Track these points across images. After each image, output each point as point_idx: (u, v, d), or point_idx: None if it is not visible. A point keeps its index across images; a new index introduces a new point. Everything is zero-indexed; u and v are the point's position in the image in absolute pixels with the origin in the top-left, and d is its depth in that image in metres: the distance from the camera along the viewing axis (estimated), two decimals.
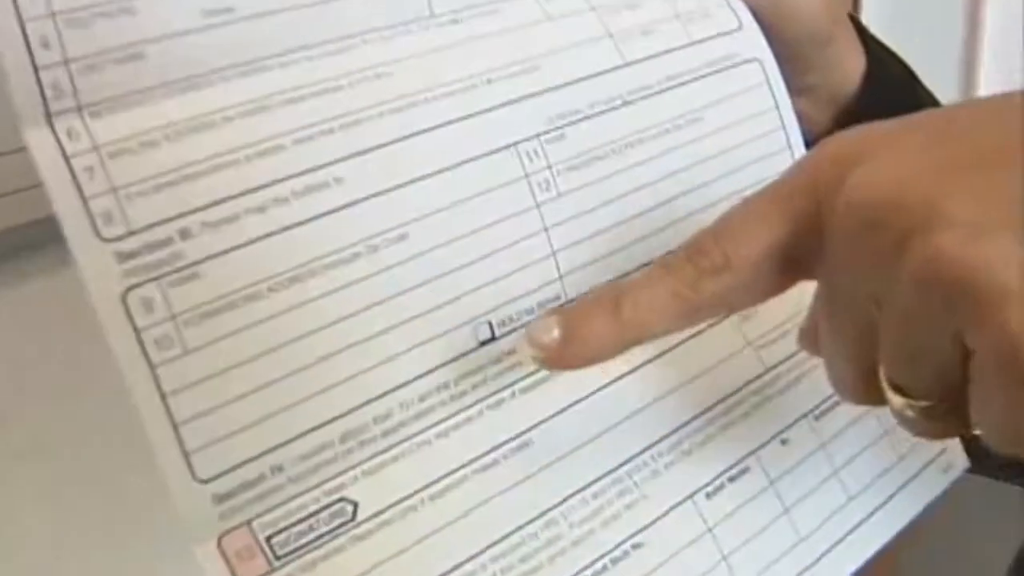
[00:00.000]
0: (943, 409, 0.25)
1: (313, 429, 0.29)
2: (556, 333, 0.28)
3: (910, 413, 0.25)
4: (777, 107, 0.38)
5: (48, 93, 0.26)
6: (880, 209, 0.23)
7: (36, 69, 0.26)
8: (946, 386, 0.24)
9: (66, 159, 0.26)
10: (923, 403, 0.25)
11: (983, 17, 0.97)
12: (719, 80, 0.37)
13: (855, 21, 0.41)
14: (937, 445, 0.37)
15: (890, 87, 0.41)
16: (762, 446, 0.34)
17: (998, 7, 0.96)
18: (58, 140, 0.26)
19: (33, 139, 0.26)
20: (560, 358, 0.29)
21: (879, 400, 0.27)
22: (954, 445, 0.37)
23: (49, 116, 0.26)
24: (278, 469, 0.28)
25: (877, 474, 0.35)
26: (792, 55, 0.39)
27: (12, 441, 0.41)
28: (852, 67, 0.40)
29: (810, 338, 0.30)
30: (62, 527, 0.43)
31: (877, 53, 0.41)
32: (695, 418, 0.33)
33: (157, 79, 0.28)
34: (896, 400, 0.26)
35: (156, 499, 0.27)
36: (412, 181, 0.30)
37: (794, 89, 0.39)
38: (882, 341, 0.25)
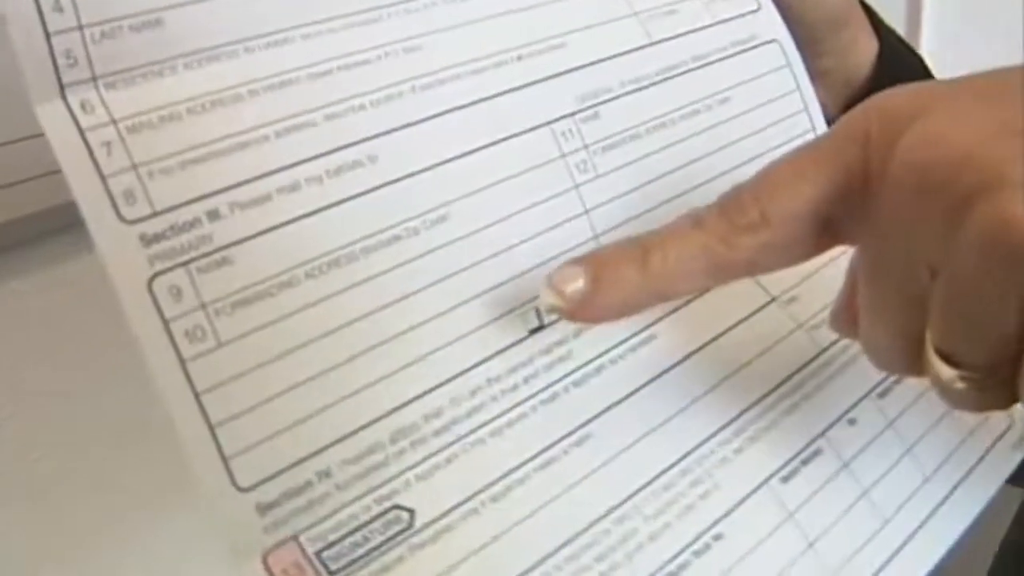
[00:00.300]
0: (995, 380, 0.23)
1: (361, 428, 0.26)
2: (581, 282, 0.26)
3: (959, 385, 0.23)
4: (799, 89, 0.37)
5: (61, 62, 0.24)
6: (941, 169, 0.21)
7: (48, 35, 0.24)
8: (1002, 356, 0.22)
9: (81, 134, 0.24)
10: (974, 374, 0.23)
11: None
12: (742, 61, 0.36)
13: (866, 6, 0.41)
14: (1004, 420, 0.35)
15: (902, 73, 0.40)
16: (830, 427, 0.32)
17: None
18: (72, 113, 0.24)
19: (45, 113, 0.24)
20: (583, 308, 0.26)
21: (922, 371, 0.24)
22: (1021, 418, 0.36)
23: (62, 87, 0.24)
24: (325, 474, 0.25)
25: (950, 451, 0.33)
26: (807, 38, 0.38)
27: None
28: (865, 52, 0.40)
29: (844, 316, 0.28)
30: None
31: (888, 38, 0.41)
32: (755, 404, 0.31)
33: (176, 49, 0.25)
34: (945, 371, 0.23)
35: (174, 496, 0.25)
36: (449, 160, 0.28)
37: (810, 74, 0.38)
38: (936, 309, 0.23)
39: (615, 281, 0.26)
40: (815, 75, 0.38)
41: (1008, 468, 0.34)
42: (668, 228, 0.27)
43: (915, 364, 0.24)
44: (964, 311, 0.22)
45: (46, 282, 0.38)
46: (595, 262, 0.27)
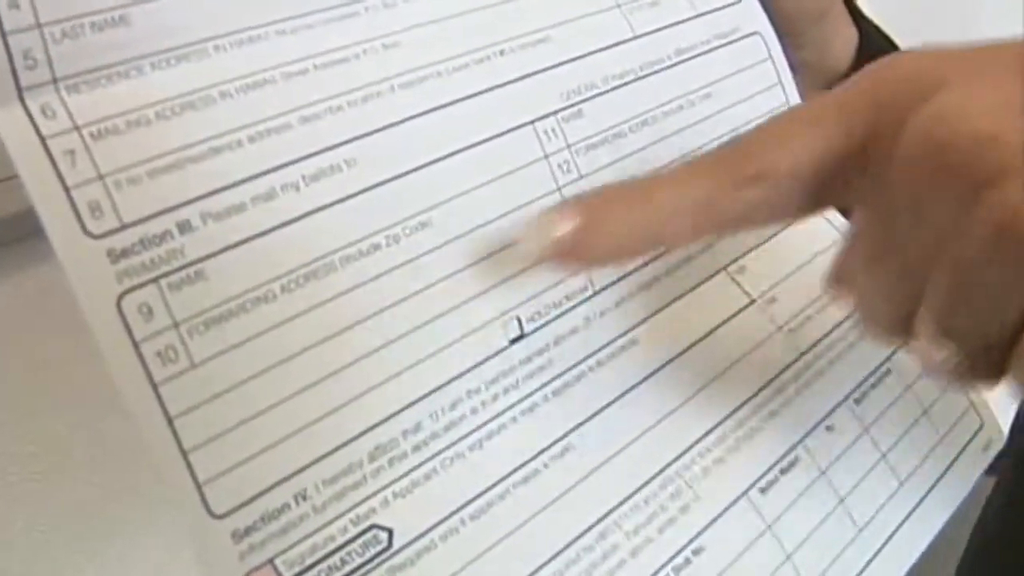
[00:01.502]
0: (986, 359, 0.22)
1: (339, 447, 0.25)
2: (573, 222, 0.25)
3: (950, 360, 0.23)
4: (780, 82, 0.36)
5: (18, 63, 0.22)
6: (960, 149, 0.20)
7: (3, 34, 0.22)
8: (997, 339, 0.22)
9: (43, 141, 0.22)
10: (966, 352, 0.22)
11: None
12: (725, 54, 0.35)
13: None
14: (975, 421, 0.36)
15: None
16: (808, 434, 0.32)
17: None
18: (32, 119, 0.22)
19: (2, 119, 0.22)
20: (574, 250, 0.25)
21: (912, 339, 0.24)
22: (991, 421, 0.36)
23: (20, 91, 0.22)
24: (302, 496, 0.24)
25: (923, 456, 0.34)
26: (787, 30, 0.38)
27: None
28: (845, 43, 0.39)
29: (840, 278, 0.27)
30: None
31: (867, 29, 0.40)
32: (737, 409, 0.31)
33: (143, 48, 0.24)
34: (937, 347, 0.23)
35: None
36: (431, 162, 0.27)
37: (790, 65, 0.37)
38: (937, 283, 0.22)
39: (610, 222, 0.25)
40: (795, 67, 0.38)
41: (978, 470, 0.35)
42: (666, 174, 0.25)
43: (906, 334, 0.24)
44: (966, 293, 0.21)
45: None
46: (589, 203, 0.25)
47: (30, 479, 0.40)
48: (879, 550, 0.31)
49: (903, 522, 0.32)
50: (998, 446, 0.36)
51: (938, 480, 0.34)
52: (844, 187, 0.24)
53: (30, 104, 0.22)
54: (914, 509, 0.33)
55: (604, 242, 0.25)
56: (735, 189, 0.24)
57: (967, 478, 0.34)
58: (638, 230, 0.25)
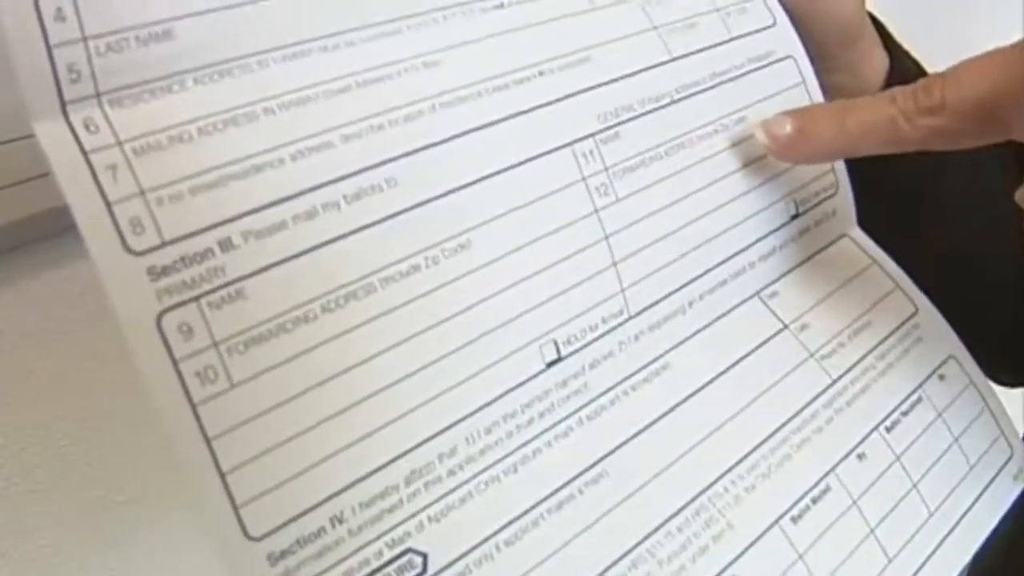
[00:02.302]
0: None
1: (376, 470, 0.25)
2: (789, 128, 0.32)
3: None
4: None
5: (62, 76, 0.22)
6: None
7: (49, 47, 0.22)
8: None
9: (85, 156, 0.22)
10: None
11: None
12: (758, 78, 0.35)
13: (876, 21, 0.40)
14: (1005, 450, 0.35)
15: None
16: (840, 462, 0.31)
17: None
18: (75, 133, 0.22)
19: (45, 132, 0.22)
20: (787, 149, 0.32)
21: None
22: (1020, 449, 0.36)
23: (64, 105, 0.22)
24: (338, 520, 0.24)
25: (953, 485, 0.33)
26: (819, 54, 0.37)
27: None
28: (875, 68, 0.39)
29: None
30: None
31: (897, 54, 0.40)
32: (769, 437, 0.31)
33: (187, 63, 0.23)
34: None
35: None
36: (471, 183, 0.27)
37: (820, 89, 0.37)
38: None
39: (814, 133, 0.31)
40: (826, 90, 0.37)
41: (1008, 500, 0.34)
42: (868, 97, 0.31)
43: None
44: None
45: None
46: (803, 116, 0.32)
47: (32, 490, 0.40)
48: None
49: (933, 553, 0.32)
50: None
51: (968, 510, 0.33)
52: (1019, 121, 0.28)
53: (73, 118, 0.22)
54: (944, 539, 0.32)
55: (808, 147, 0.32)
56: (917, 117, 0.29)
57: (997, 507, 0.34)
58: (835, 143, 0.31)
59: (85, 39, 0.22)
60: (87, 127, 0.22)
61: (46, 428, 0.39)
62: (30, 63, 0.21)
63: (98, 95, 0.22)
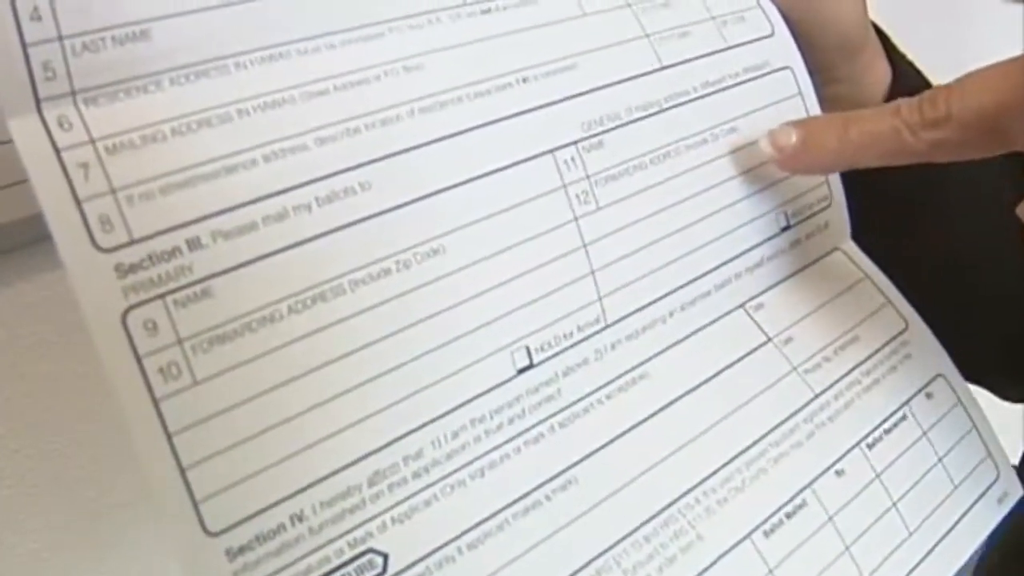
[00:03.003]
0: None
1: (339, 471, 0.25)
2: (795, 138, 0.32)
3: None
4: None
5: (37, 74, 0.22)
6: None
7: (24, 45, 0.22)
8: None
9: (57, 153, 0.22)
10: None
11: None
12: (753, 88, 0.34)
13: (881, 32, 0.39)
14: (991, 472, 0.35)
15: None
16: (817, 478, 0.31)
17: None
18: (48, 130, 0.22)
19: (18, 128, 0.22)
20: (792, 160, 0.33)
21: None
22: (1007, 471, 0.35)
23: (38, 102, 0.22)
24: (298, 518, 0.24)
25: (935, 505, 0.33)
26: (820, 64, 0.37)
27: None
28: (878, 80, 0.38)
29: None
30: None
31: (901, 66, 0.39)
32: (746, 450, 0.31)
33: (163, 63, 0.24)
34: None
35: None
36: (446, 189, 0.27)
37: (820, 100, 0.37)
38: None
39: (817, 144, 0.32)
40: (825, 101, 0.37)
41: (991, 523, 0.34)
42: (874, 108, 0.31)
43: None
44: None
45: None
46: (806, 127, 0.33)
47: (26, 492, 0.40)
48: None
49: (910, 572, 0.31)
50: (1015, 497, 0.35)
51: (950, 531, 0.33)
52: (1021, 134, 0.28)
53: (47, 115, 0.22)
54: (923, 559, 0.32)
55: (813, 158, 0.32)
56: (921, 129, 0.29)
57: (980, 529, 0.34)
58: (839, 154, 0.31)
59: (61, 38, 0.22)
60: (61, 124, 0.23)
61: (40, 430, 0.40)
62: (5, 61, 0.22)
63: (73, 93, 0.23)
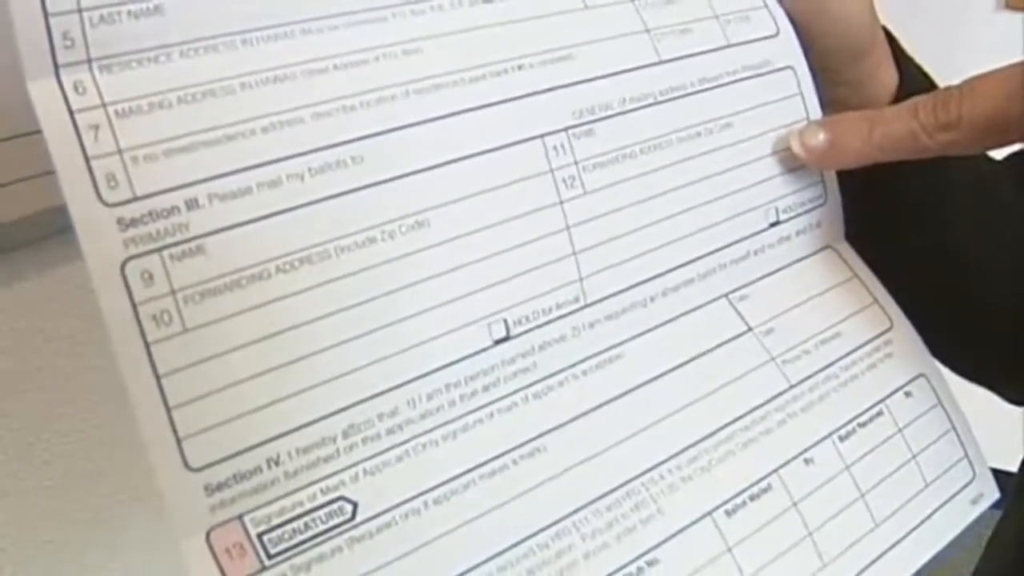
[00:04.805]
0: None
1: (315, 421, 0.27)
2: (822, 137, 0.35)
3: None
4: (808, 118, 0.37)
5: (57, 42, 0.24)
6: None
7: (47, 16, 0.24)
8: None
9: (71, 114, 0.25)
10: None
11: None
12: (752, 86, 0.35)
13: (890, 36, 0.40)
14: (967, 473, 0.36)
15: None
16: (784, 464, 0.32)
17: None
18: (64, 93, 0.25)
19: (37, 89, 0.24)
20: (820, 158, 0.36)
21: None
22: (983, 474, 0.36)
23: (56, 67, 0.25)
24: (274, 462, 0.26)
25: (904, 500, 0.34)
26: (825, 66, 0.38)
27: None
28: (884, 84, 0.39)
29: None
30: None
31: (909, 71, 0.40)
32: (715, 432, 0.32)
33: (174, 37, 0.26)
34: None
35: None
36: (434, 166, 0.29)
37: (823, 101, 0.38)
38: None
39: (844, 144, 0.35)
40: (828, 103, 0.38)
41: (964, 522, 0.35)
42: (893, 109, 0.34)
43: None
44: None
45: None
46: (833, 128, 0.35)
47: (40, 486, 0.42)
48: None
49: (873, 562, 0.32)
50: (989, 500, 0.36)
51: (918, 526, 0.34)
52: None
53: (64, 79, 0.25)
54: (887, 551, 0.33)
55: (839, 156, 0.35)
56: (936, 131, 0.32)
57: (950, 528, 0.34)
58: (863, 152, 0.34)
59: (80, 10, 0.25)
60: (76, 89, 0.25)
61: (54, 424, 0.41)
62: (28, 28, 0.24)
63: (89, 61, 0.25)
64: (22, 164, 0.35)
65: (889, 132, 0.33)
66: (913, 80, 0.40)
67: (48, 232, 0.38)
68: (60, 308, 0.40)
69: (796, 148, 0.36)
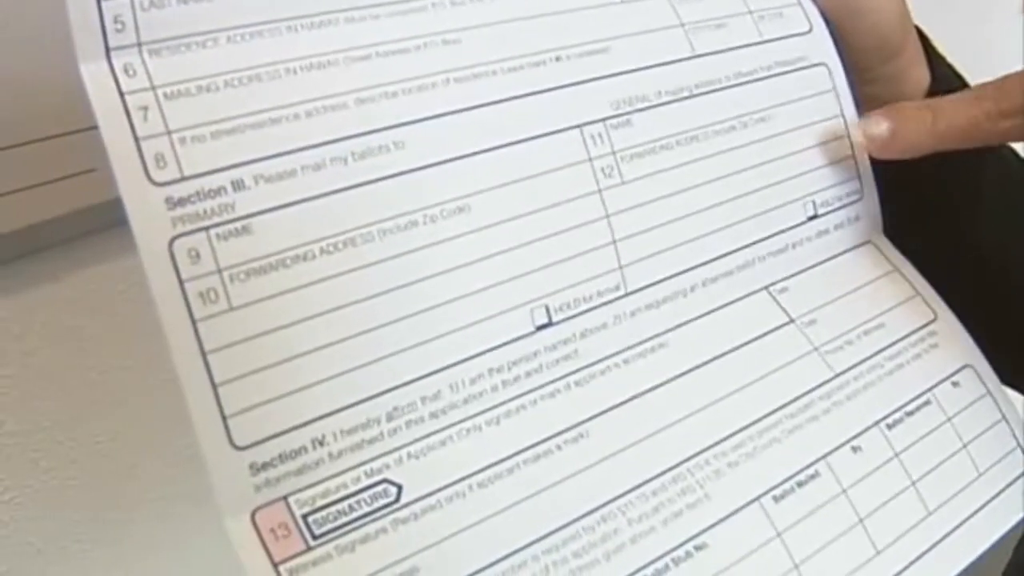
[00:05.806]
0: None
1: (359, 402, 0.27)
2: (885, 127, 0.35)
3: None
4: (842, 114, 0.37)
5: (109, 26, 0.25)
6: None
7: (99, 1, 0.25)
8: None
9: (121, 96, 0.25)
10: None
11: None
12: (786, 82, 0.36)
13: (923, 36, 0.40)
14: (1020, 465, 0.35)
15: None
16: (832, 452, 0.32)
17: None
18: (115, 76, 0.25)
19: (89, 72, 0.25)
20: (883, 147, 0.36)
21: None
22: None
23: (108, 50, 0.25)
24: (320, 442, 0.26)
25: (957, 489, 0.33)
26: (858, 64, 0.38)
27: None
28: (916, 83, 0.39)
29: None
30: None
31: (941, 71, 0.40)
32: (759, 420, 0.31)
33: (222, 22, 0.27)
34: None
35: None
36: (475, 153, 0.29)
37: (855, 99, 0.38)
38: None
39: (907, 133, 0.35)
40: (861, 101, 0.38)
41: (1019, 512, 0.34)
42: (955, 97, 0.35)
43: None
44: None
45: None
46: (896, 116, 0.35)
47: (68, 484, 0.42)
48: (898, 574, 0.31)
49: (927, 551, 0.32)
50: None
51: (971, 516, 0.33)
52: None
53: (115, 62, 0.25)
54: (940, 540, 0.32)
55: (901, 145, 0.35)
56: (998, 118, 0.33)
57: (1005, 517, 0.34)
58: (925, 142, 0.34)
59: None
60: (127, 71, 0.25)
61: (83, 423, 0.41)
62: (82, 14, 0.25)
63: (139, 44, 0.26)
64: (50, 166, 0.36)
65: (952, 121, 0.34)
66: (945, 79, 0.40)
67: (77, 233, 0.38)
68: (90, 308, 0.40)
69: (858, 138, 0.36)
